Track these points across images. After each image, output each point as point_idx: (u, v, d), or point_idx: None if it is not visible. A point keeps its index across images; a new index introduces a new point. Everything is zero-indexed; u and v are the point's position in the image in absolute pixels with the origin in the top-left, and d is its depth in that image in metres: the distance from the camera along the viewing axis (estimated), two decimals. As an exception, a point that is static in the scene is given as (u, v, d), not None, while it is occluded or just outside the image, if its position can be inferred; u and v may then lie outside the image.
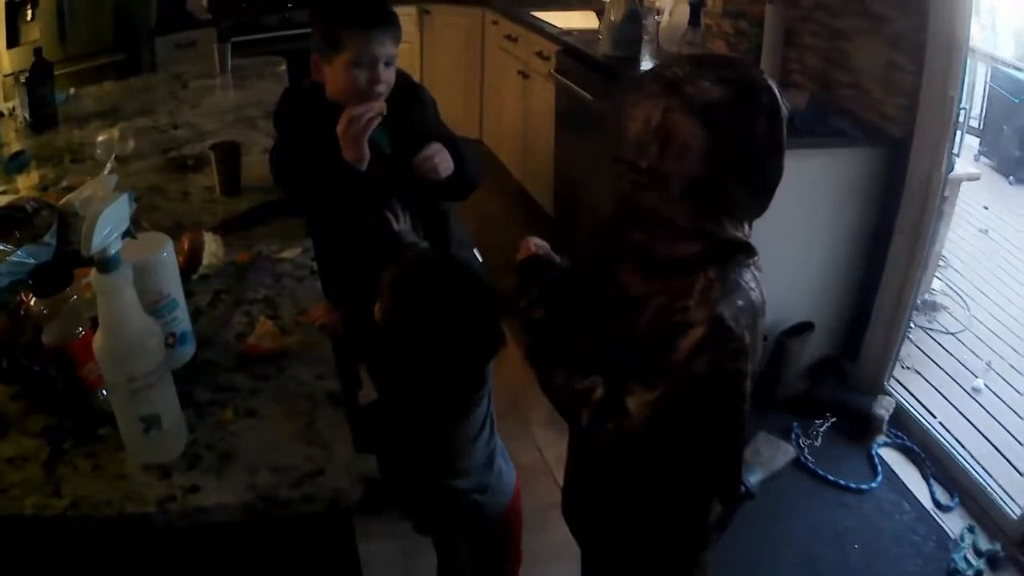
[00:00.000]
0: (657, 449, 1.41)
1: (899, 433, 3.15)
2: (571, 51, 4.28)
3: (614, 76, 3.77)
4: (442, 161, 1.94)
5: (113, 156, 2.44)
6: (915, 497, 2.87)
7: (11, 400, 1.40)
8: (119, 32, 4.43)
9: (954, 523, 2.75)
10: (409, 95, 2.09)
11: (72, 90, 3.26)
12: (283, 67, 3.76)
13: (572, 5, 5.25)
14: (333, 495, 1.24)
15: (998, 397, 3.46)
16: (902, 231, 3.06)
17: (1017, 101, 5.70)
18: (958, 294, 4.30)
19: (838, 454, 3.07)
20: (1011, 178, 5.83)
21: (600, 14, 4.42)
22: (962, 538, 2.66)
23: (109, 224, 1.16)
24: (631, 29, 3.92)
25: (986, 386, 3.51)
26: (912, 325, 3.48)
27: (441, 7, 5.72)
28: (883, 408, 3.14)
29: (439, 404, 1.63)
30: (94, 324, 1.22)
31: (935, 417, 3.24)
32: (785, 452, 3.03)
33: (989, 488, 2.82)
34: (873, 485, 2.92)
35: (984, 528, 2.72)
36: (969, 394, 3.47)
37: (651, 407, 1.28)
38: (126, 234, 1.22)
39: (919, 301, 3.65)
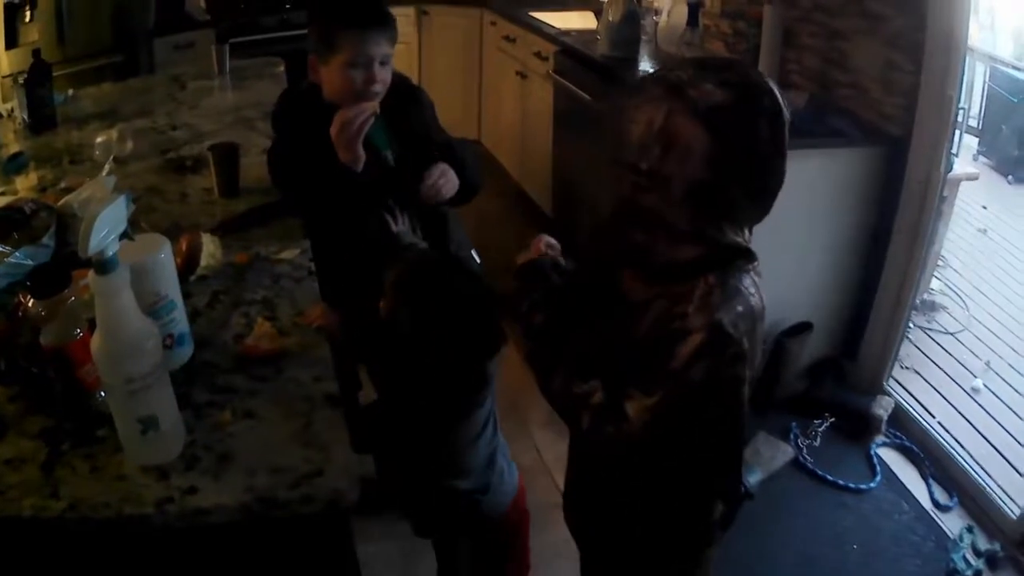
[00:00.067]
0: (656, 453, 1.41)
1: (898, 433, 3.15)
2: (569, 52, 4.28)
3: (612, 77, 3.77)
4: (447, 184, 1.96)
5: (111, 157, 2.44)
6: (914, 497, 2.87)
7: (9, 402, 1.40)
8: (118, 33, 4.42)
9: (953, 523, 2.75)
10: (408, 96, 2.09)
11: (71, 91, 3.26)
12: (281, 68, 3.76)
13: (570, 6, 5.26)
14: (331, 496, 1.24)
15: (997, 397, 3.46)
16: (901, 231, 3.06)
17: (1016, 100, 5.71)
18: (957, 294, 4.30)
19: (837, 454, 3.07)
20: (1010, 177, 5.83)
21: (598, 15, 4.43)
22: (961, 538, 2.66)
23: (107, 226, 1.16)
24: (629, 30, 3.92)
25: (985, 386, 3.51)
26: (911, 325, 3.48)
27: (439, 8, 5.72)
28: (882, 408, 3.14)
29: (440, 404, 1.63)
30: (92, 325, 1.22)
31: (934, 417, 3.24)
32: (784, 452, 3.03)
33: (988, 488, 2.82)
34: (872, 485, 2.92)
35: (983, 528, 2.72)
36: (968, 394, 3.47)
37: (650, 412, 1.28)
38: (124, 235, 1.22)
39: (918, 301, 3.65)
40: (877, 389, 3.28)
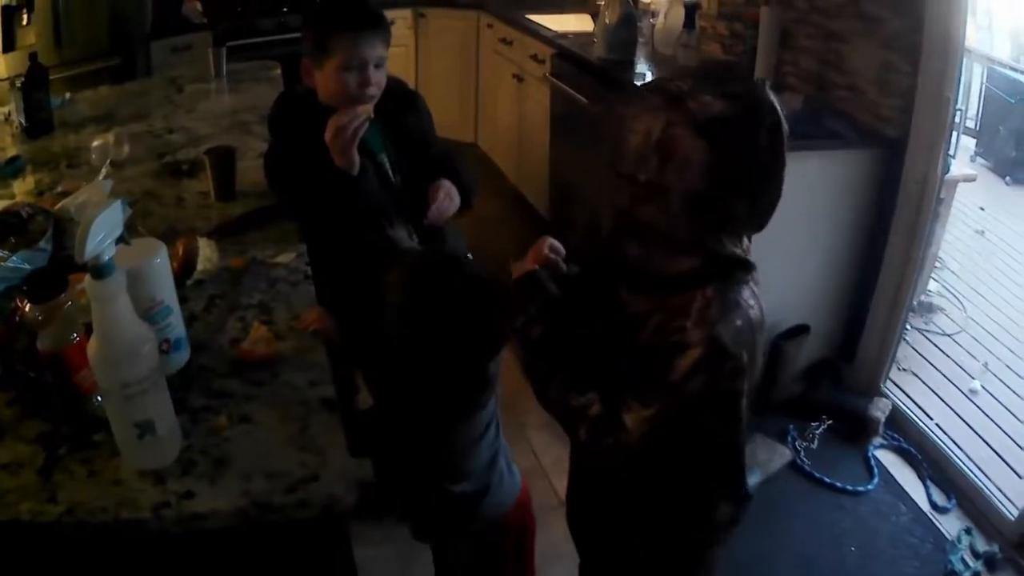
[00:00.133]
0: (654, 465, 1.41)
1: (896, 435, 3.15)
2: (566, 54, 4.28)
3: (609, 79, 3.78)
4: (452, 204, 1.98)
5: (108, 161, 2.45)
6: (912, 499, 2.87)
7: (6, 406, 1.40)
8: (115, 36, 4.42)
9: (951, 525, 2.75)
10: (405, 102, 2.09)
11: (68, 95, 3.26)
12: (278, 71, 3.76)
13: (567, 8, 5.27)
14: (327, 501, 1.24)
15: (995, 399, 3.46)
16: (898, 232, 3.06)
17: (1013, 101, 5.71)
18: (954, 295, 4.31)
19: (834, 456, 3.07)
20: (1007, 179, 5.84)
21: (595, 17, 4.43)
22: (959, 540, 2.66)
23: (103, 231, 1.16)
24: (626, 32, 3.93)
25: (983, 387, 3.52)
26: (908, 327, 3.48)
27: (436, 11, 5.73)
28: (879, 410, 3.14)
29: (440, 405, 1.63)
30: (89, 330, 1.22)
31: (932, 419, 3.24)
32: (781, 455, 3.03)
33: (986, 489, 2.82)
34: (870, 487, 2.92)
35: (981, 530, 2.72)
36: (966, 396, 3.47)
37: (648, 423, 1.29)
38: (120, 240, 1.22)
39: (915, 303, 3.65)
40: (874, 391, 3.27)
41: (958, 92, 2.87)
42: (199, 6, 4.95)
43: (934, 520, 2.78)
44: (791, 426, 3.17)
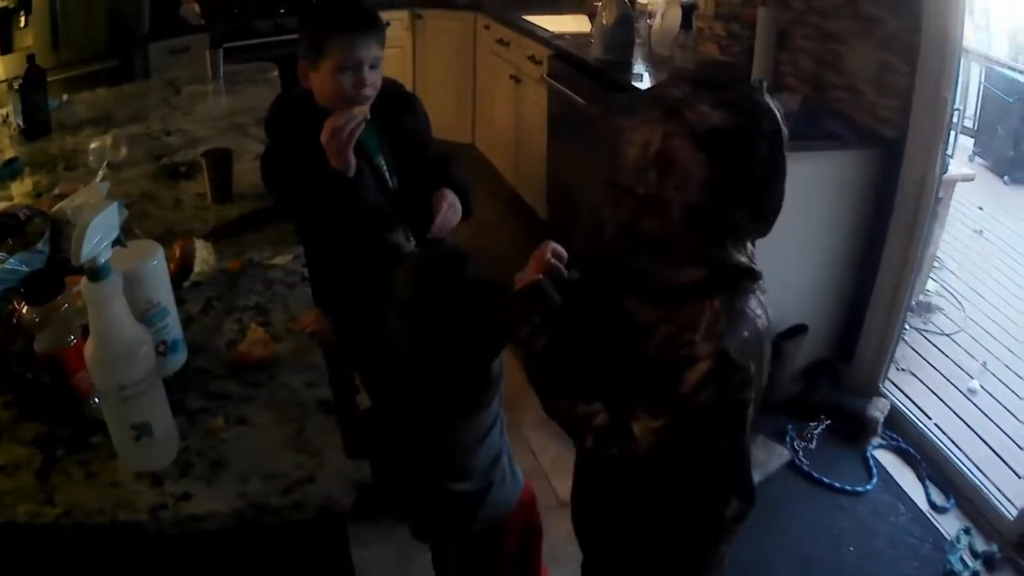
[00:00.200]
0: (661, 473, 1.42)
1: (894, 435, 3.15)
2: (563, 55, 4.28)
3: (606, 80, 3.78)
4: (455, 216, 1.99)
5: (105, 163, 2.45)
6: (911, 499, 2.87)
7: (3, 408, 1.40)
8: (112, 38, 4.42)
9: (950, 525, 2.75)
10: (402, 104, 2.09)
11: (65, 96, 3.26)
12: (275, 73, 3.76)
13: (564, 9, 5.27)
14: (324, 502, 1.24)
15: (994, 398, 3.46)
16: (896, 232, 3.06)
17: (1011, 101, 5.71)
18: (953, 295, 4.31)
19: (833, 456, 3.07)
20: (1006, 178, 5.84)
21: (592, 18, 4.43)
22: (958, 539, 2.66)
23: (99, 233, 1.16)
24: (623, 33, 3.93)
25: (982, 387, 3.52)
26: (907, 327, 3.48)
27: (433, 12, 5.74)
28: (878, 410, 3.14)
29: (440, 404, 1.62)
30: (86, 332, 1.22)
31: (930, 419, 3.24)
32: (780, 455, 3.03)
33: (985, 489, 2.82)
34: (868, 487, 2.92)
35: (980, 529, 2.72)
36: (965, 395, 3.47)
37: (656, 434, 1.29)
38: (116, 242, 1.22)
39: (914, 302, 3.65)
40: (873, 391, 3.27)
41: (956, 92, 2.87)
42: (197, 8, 4.95)
43: (933, 520, 2.78)
44: (789, 426, 3.17)
